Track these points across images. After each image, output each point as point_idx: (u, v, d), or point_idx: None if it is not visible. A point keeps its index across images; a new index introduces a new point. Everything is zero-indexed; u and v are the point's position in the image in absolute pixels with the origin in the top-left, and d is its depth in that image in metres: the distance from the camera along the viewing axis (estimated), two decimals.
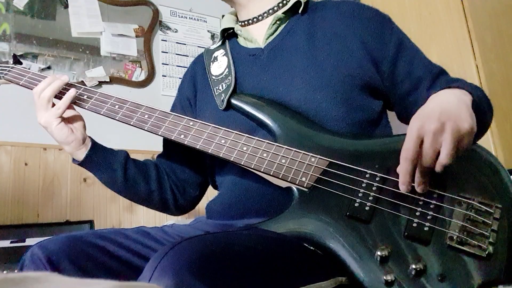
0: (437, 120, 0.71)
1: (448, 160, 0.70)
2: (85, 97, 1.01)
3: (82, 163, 1.02)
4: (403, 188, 0.74)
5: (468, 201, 0.74)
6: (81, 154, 1.01)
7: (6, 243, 1.70)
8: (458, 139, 0.71)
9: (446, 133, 0.70)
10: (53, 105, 0.99)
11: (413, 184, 0.75)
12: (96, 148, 1.02)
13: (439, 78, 0.95)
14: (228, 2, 1.09)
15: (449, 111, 0.73)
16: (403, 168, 0.73)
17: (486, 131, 0.93)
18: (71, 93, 0.99)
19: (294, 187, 0.83)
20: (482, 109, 0.85)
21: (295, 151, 0.85)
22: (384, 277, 0.69)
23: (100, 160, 1.02)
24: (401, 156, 0.73)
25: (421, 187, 0.74)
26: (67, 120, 1.00)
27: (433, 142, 0.70)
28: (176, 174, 1.11)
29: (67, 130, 0.98)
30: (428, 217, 0.73)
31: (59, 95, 1.00)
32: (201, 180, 1.14)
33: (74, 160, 1.03)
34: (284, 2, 1.05)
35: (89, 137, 1.03)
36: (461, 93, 0.81)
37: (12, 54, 2.05)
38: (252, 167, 0.86)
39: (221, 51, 1.07)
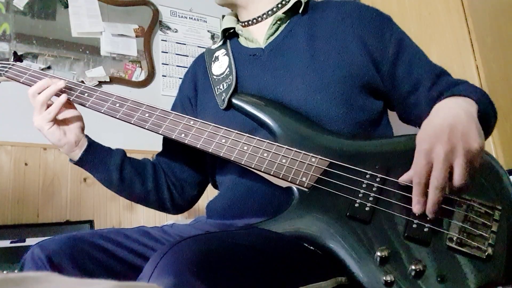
0: (447, 142, 0.70)
1: (463, 182, 0.69)
2: (85, 95, 1.01)
3: (77, 164, 1.03)
4: (417, 208, 0.72)
5: (468, 202, 0.74)
6: (76, 156, 1.01)
7: (6, 243, 1.70)
8: (470, 160, 0.70)
9: (458, 156, 0.70)
10: (49, 106, 0.99)
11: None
12: (91, 149, 1.02)
13: (440, 79, 0.94)
14: (228, 6, 1.09)
15: (458, 130, 0.72)
16: (417, 192, 0.72)
17: (489, 135, 0.93)
18: (62, 99, 0.98)
19: (294, 187, 0.83)
20: (488, 117, 0.85)
21: (296, 151, 0.85)
22: (384, 278, 0.69)
23: (95, 160, 1.03)
24: (413, 181, 0.72)
25: (433, 211, 0.71)
26: (63, 122, 1.01)
27: (445, 166, 0.69)
28: (174, 173, 1.11)
29: (58, 133, 0.98)
30: (428, 218, 0.73)
31: (58, 93, 1.00)
32: (200, 180, 1.14)
33: (70, 159, 1.04)
34: (283, 2, 1.05)
35: (86, 136, 1.03)
36: (467, 104, 0.79)
37: (13, 52, 2.05)
38: (253, 166, 0.86)
39: (222, 51, 1.07)
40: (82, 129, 1.03)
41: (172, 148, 1.11)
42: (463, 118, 0.74)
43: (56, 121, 0.99)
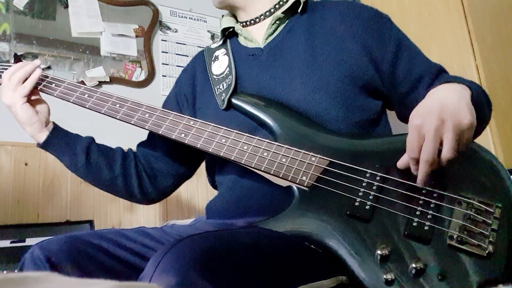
0: (438, 117, 0.71)
1: (451, 155, 0.71)
2: (86, 96, 1.02)
3: (43, 146, 1.04)
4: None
5: (468, 200, 0.74)
6: (42, 137, 1.03)
7: (6, 243, 1.70)
8: (459, 135, 0.72)
9: (447, 130, 0.71)
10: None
11: (414, 184, 0.75)
12: (57, 131, 1.05)
13: (438, 77, 0.95)
14: (226, 8, 1.09)
15: (449, 107, 0.73)
16: (410, 166, 0.75)
17: (486, 126, 0.94)
18: (37, 73, 1.03)
19: (294, 186, 0.83)
20: (481, 104, 0.86)
21: (296, 150, 0.85)
22: (384, 276, 0.69)
23: (61, 142, 1.04)
24: (406, 155, 0.74)
25: (423, 183, 0.74)
26: (32, 104, 1.04)
27: (435, 139, 0.71)
28: (148, 160, 1.11)
29: (31, 110, 1.02)
30: (428, 216, 0.74)
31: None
32: (177, 172, 1.12)
33: (37, 144, 1.05)
34: (281, 3, 1.05)
35: (53, 122, 1.06)
36: (460, 88, 0.81)
37: (13, 54, 2.05)
38: (253, 166, 0.86)
39: (222, 50, 1.07)
40: (49, 113, 1.06)
41: (154, 137, 1.10)
42: (454, 97, 0.76)
43: (28, 100, 1.02)
